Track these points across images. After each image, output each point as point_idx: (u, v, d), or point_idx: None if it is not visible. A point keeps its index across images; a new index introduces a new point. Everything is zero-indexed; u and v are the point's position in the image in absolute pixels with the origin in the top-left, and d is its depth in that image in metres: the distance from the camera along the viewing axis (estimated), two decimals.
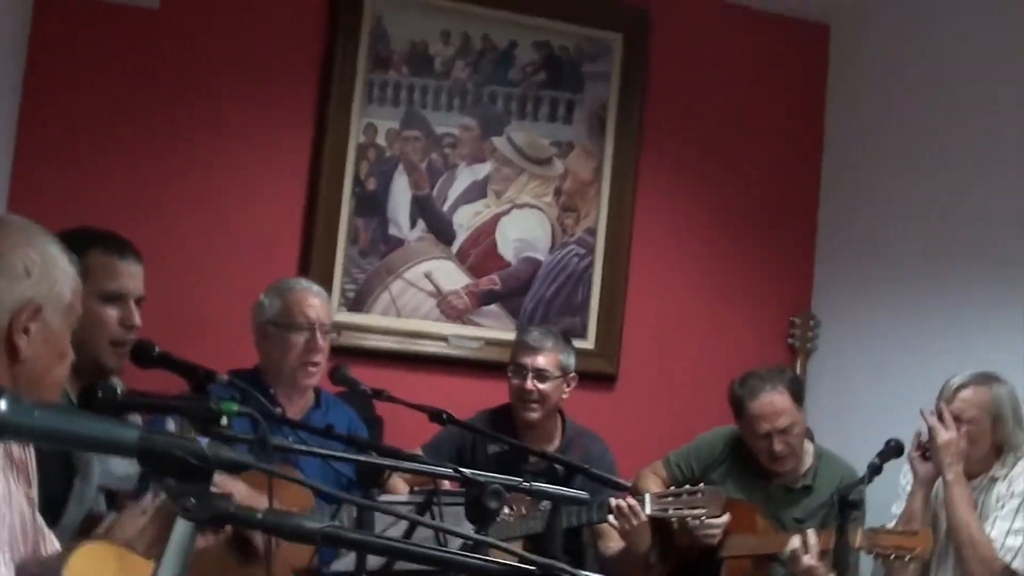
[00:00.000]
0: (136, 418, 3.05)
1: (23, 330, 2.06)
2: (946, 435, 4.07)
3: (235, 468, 1.32)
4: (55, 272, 2.12)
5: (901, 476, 4.31)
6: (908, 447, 4.11)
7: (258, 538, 3.58)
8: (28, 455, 2.17)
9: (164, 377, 3.02)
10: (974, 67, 5.01)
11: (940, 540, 4.14)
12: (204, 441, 1.32)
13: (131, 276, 3.07)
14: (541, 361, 4.30)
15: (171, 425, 2.86)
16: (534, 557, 1.34)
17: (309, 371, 3.94)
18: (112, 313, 3.01)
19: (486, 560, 1.36)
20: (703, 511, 3.99)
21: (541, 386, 4.28)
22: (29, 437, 1.38)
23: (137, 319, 3.04)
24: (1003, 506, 4.07)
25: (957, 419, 4.10)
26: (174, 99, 4.86)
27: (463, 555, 1.35)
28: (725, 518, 4.21)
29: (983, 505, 4.12)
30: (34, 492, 2.19)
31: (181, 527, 2.15)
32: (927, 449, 4.14)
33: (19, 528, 2.07)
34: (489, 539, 1.37)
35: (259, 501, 3.50)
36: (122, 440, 1.33)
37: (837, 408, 5.16)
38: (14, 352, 2.05)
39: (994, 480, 4.14)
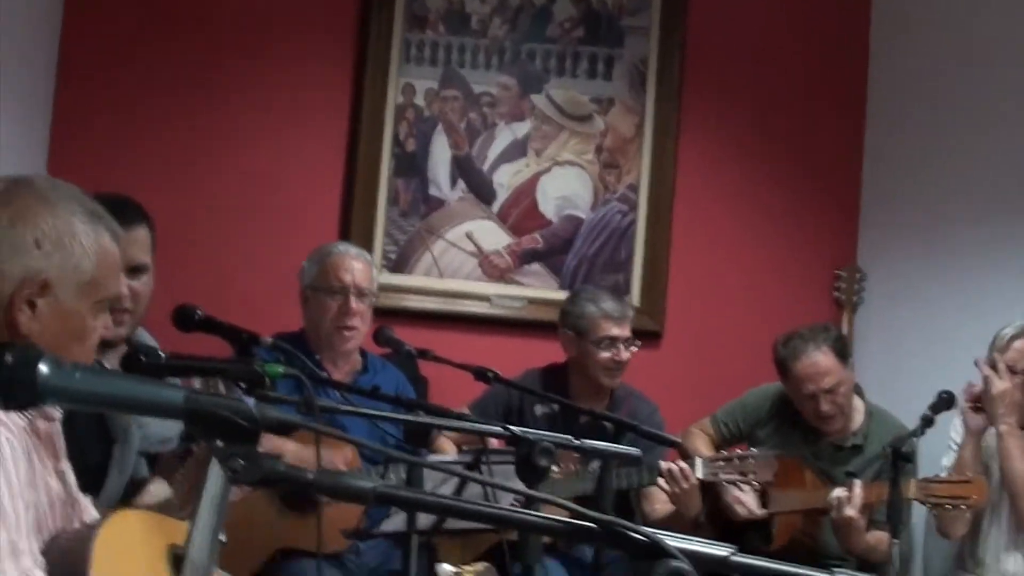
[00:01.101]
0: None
1: (27, 304, 1.96)
2: (1000, 385, 4.02)
3: (283, 428, 1.30)
4: (72, 244, 1.99)
5: (951, 429, 4.26)
6: (960, 398, 4.06)
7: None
8: (54, 428, 2.12)
9: (207, 342, 3.01)
10: (1022, 17, 4.91)
11: (993, 491, 4.09)
12: (251, 401, 1.29)
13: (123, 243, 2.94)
14: (628, 330, 4.29)
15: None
16: (591, 512, 1.31)
17: (344, 335, 3.92)
18: None
19: (542, 517, 1.33)
20: (754, 476, 3.95)
21: (629, 353, 4.28)
22: (72, 400, 1.35)
23: (125, 289, 2.83)
24: None
25: (1012, 369, 4.05)
26: (209, 64, 4.85)
27: (518, 511, 1.32)
28: (754, 507, 4.16)
29: None
30: (64, 464, 2.12)
31: (214, 482, 2.13)
32: (979, 400, 4.08)
33: (47, 506, 2.01)
34: (544, 495, 1.34)
35: (308, 459, 3.49)
36: (168, 401, 1.30)
37: (886, 362, 5.09)
38: (14, 326, 1.96)
39: None
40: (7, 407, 1.31)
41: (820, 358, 4.21)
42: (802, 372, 4.21)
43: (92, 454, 2.72)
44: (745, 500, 4.17)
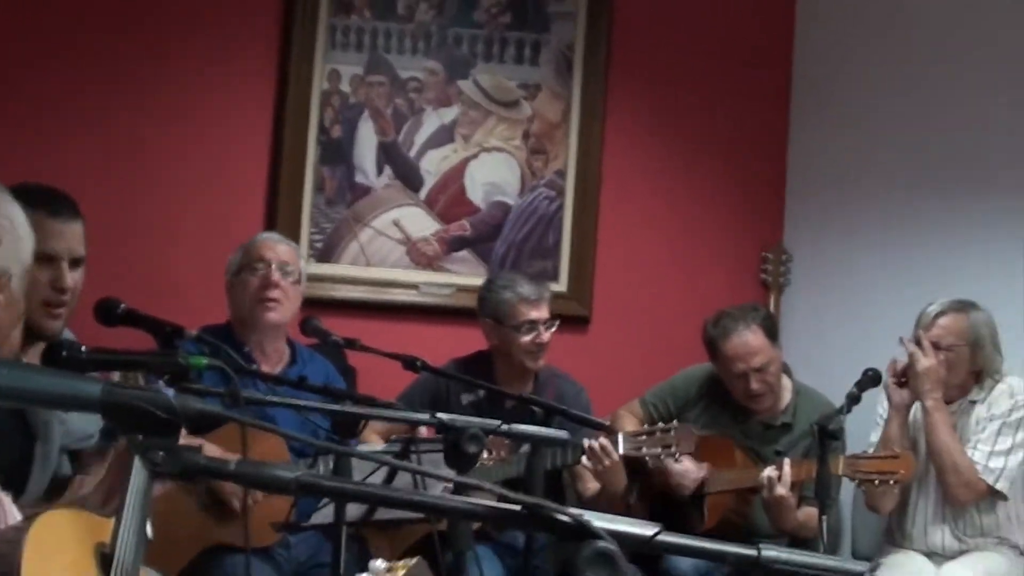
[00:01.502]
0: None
1: None
2: (925, 362, 4.08)
3: (204, 419, 1.28)
4: (20, 234, 1.99)
5: (879, 405, 4.32)
6: (885, 374, 4.11)
7: (232, 498, 3.54)
8: None
9: (131, 336, 2.97)
10: None
11: (920, 465, 4.16)
12: (171, 392, 1.27)
13: (61, 235, 2.83)
14: (547, 312, 4.28)
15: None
16: (516, 496, 1.30)
17: (267, 305, 3.89)
18: (43, 275, 2.78)
19: (468, 502, 1.32)
20: (676, 448, 3.97)
21: (546, 335, 4.26)
22: None
23: (68, 281, 2.82)
24: (984, 429, 4.12)
25: (936, 346, 4.11)
26: (131, 53, 4.78)
27: (443, 498, 1.31)
28: (697, 471, 4.20)
29: (962, 428, 4.16)
30: None
31: (137, 478, 2.11)
32: (903, 376, 4.14)
33: None
34: (471, 480, 1.33)
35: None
36: (86, 395, 1.28)
37: (813, 342, 5.14)
38: None
39: (972, 403, 4.18)
40: None
41: (750, 337, 4.25)
42: (732, 351, 4.25)
43: (13, 451, 2.67)
44: (686, 472, 4.20)
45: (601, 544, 1.27)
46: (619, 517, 1.36)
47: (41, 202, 2.81)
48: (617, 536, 1.29)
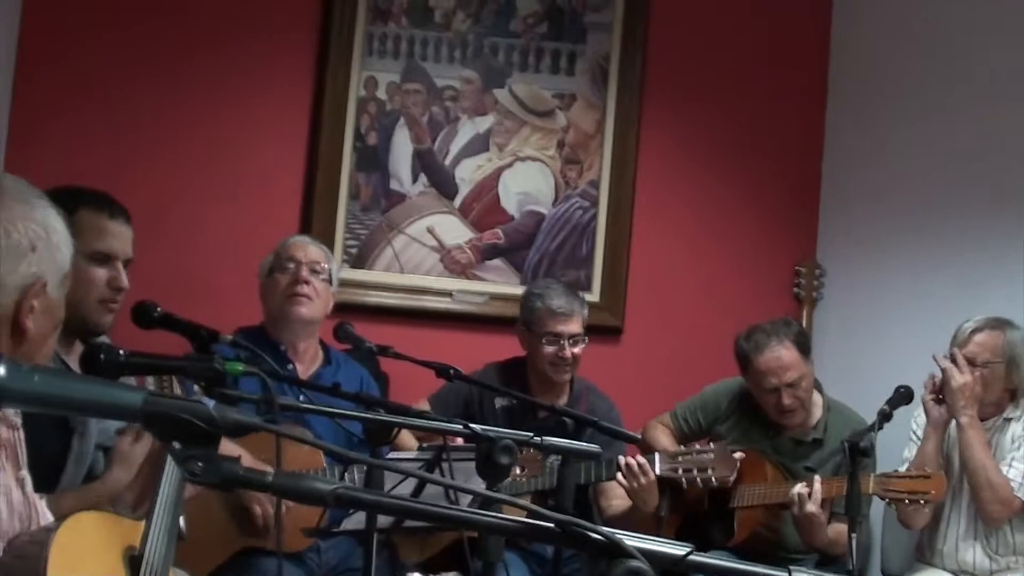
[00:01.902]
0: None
1: (29, 308, 1.96)
2: (961, 379, 4.07)
3: (242, 430, 1.29)
4: (57, 241, 2.01)
5: (912, 421, 4.30)
6: (922, 391, 4.10)
7: (256, 508, 3.56)
8: (17, 437, 2.11)
9: (167, 339, 3.00)
10: (980, 9, 4.95)
11: (954, 482, 4.14)
12: (211, 403, 1.28)
13: (119, 236, 3.02)
14: (575, 327, 4.27)
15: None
16: (549, 512, 1.31)
17: (297, 300, 3.93)
18: (100, 273, 2.96)
19: (499, 517, 1.33)
20: (714, 472, 3.96)
21: (576, 351, 4.26)
22: (30, 403, 1.34)
23: (125, 281, 2.99)
24: (1020, 447, 4.10)
25: (972, 362, 4.10)
26: (171, 55, 4.82)
27: (475, 512, 1.32)
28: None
29: (997, 446, 4.14)
30: (24, 472, 2.12)
31: (169, 483, 2.13)
32: (940, 392, 4.13)
33: (5, 512, 2.00)
34: (502, 495, 1.34)
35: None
36: (126, 404, 1.29)
37: (845, 357, 5.13)
38: (22, 332, 1.96)
39: (1008, 421, 4.17)
40: None
41: (782, 352, 4.24)
42: (764, 366, 4.24)
43: (50, 446, 2.71)
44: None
45: (633, 563, 1.28)
46: (650, 536, 1.37)
47: (101, 204, 3.01)
48: (649, 555, 1.30)
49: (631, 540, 1.31)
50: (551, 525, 1.33)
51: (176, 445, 1.29)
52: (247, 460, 3.30)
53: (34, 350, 1.97)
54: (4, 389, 1.27)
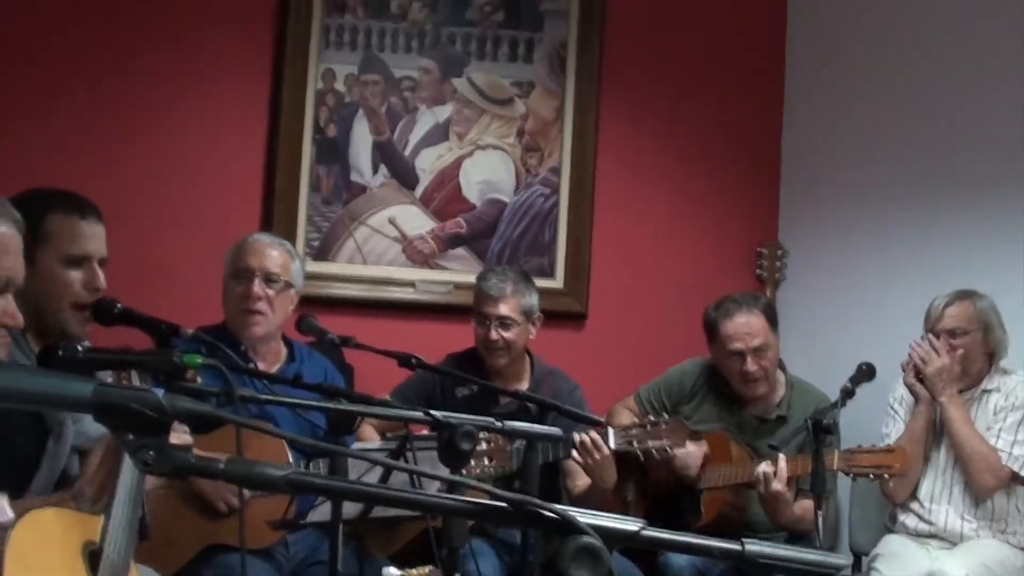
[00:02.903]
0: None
1: None
2: (938, 362, 4.19)
3: (193, 419, 1.29)
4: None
5: (890, 396, 4.36)
6: (884, 368, 4.14)
7: (217, 501, 3.55)
8: None
9: (128, 335, 2.99)
10: None
11: (930, 451, 4.24)
12: (160, 392, 1.28)
13: (93, 237, 2.96)
14: (503, 309, 4.24)
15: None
16: (502, 492, 1.32)
17: (248, 319, 3.86)
18: (76, 276, 2.91)
19: (453, 499, 1.34)
20: (666, 442, 3.98)
21: (505, 334, 4.23)
22: None
23: (102, 281, 2.92)
24: (1006, 418, 4.21)
25: (951, 334, 4.18)
26: (128, 49, 4.80)
27: (435, 496, 1.33)
28: (698, 451, 4.22)
29: (977, 416, 4.22)
30: None
31: (128, 476, 2.12)
32: (920, 374, 4.21)
33: None
34: (461, 478, 1.35)
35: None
36: (76, 395, 1.29)
37: (808, 337, 5.15)
38: None
39: (986, 392, 4.27)
40: None
41: (751, 318, 4.32)
42: (732, 330, 4.30)
43: (25, 446, 2.69)
44: (688, 454, 4.21)
45: (585, 539, 1.29)
46: (604, 513, 1.38)
47: (72, 206, 2.95)
48: (601, 532, 1.31)
49: (584, 517, 1.32)
50: (504, 505, 1.33)
51: (128, 436, 1.29)
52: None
53: None
54: None
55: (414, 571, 1.94)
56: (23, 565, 1.94)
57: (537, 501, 1.31)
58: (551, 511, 1.30)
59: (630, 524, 1.37)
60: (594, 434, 3.96)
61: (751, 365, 4.29)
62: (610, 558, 1.30)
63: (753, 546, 1.42)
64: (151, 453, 1.28)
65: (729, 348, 4.31)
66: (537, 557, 3.06)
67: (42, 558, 2.03)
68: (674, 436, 3.98)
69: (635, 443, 4.00)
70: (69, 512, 2.24)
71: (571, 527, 1.29)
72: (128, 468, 2.13)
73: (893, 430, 4.33)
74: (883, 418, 4.41)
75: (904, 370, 4.27)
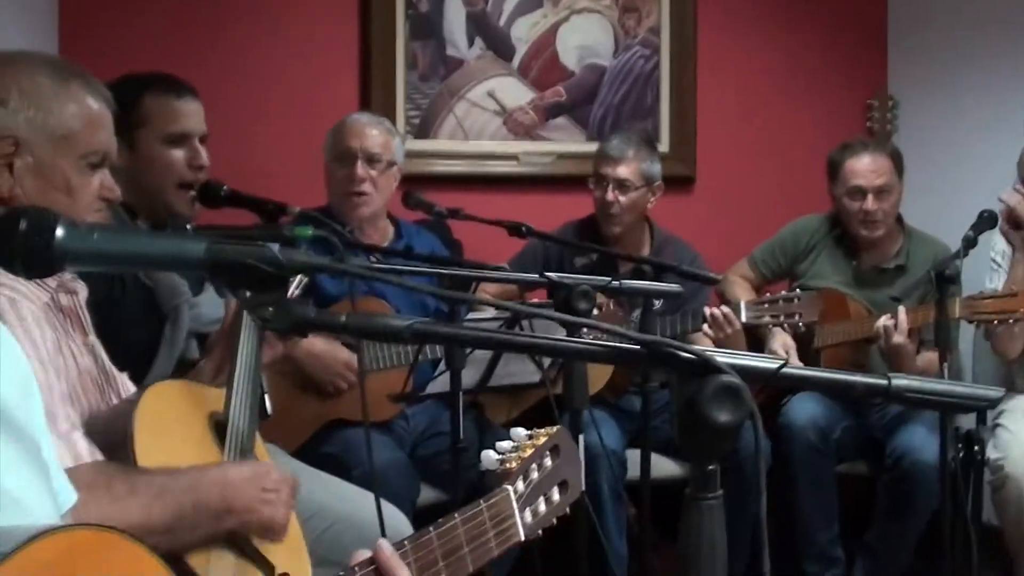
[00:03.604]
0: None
1: (5, 166, 1.97)
2: None
3: (310, 270, 1.25)
4: (41, 100, 1.99)
5: (991, 249, 4.21)
6: (1000, 223, 4.00)
7: (330, 384, 3.56)
8: (77, 303, 2.11)
9: (235, 218, 2.98)
10: None
11: None
12: (275, 247, 1.24)
13: (191, 114, 2.96)
14: (623, 171, 4.16)
15: None
16: (635, 334, 1.26)
17: (353, 201, 3.81)
18: (178, 155, 2.92)
19: (589, 343, 1.28)
20: (800, 318, 3.90)
21: (623, 198, 4.15)
22: (92, 262, 1.31)
23: (204, 158, 2.94)
24: None
25: None
26: None
27: (557, 339, 1.28)
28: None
29: None
30: (93, 339, 2.12)
31: (247, 344, 2.11)
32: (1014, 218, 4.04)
33: (76, 378, 2.00)
34: (588, 321, 1.29)
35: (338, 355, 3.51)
36: (189, 253, 1.25)
37: (922, 188, 4.98)
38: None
39: None
40: (29, 275, 1.27)
41: (879, 158, 4.29)
42: (856, 167, 4.27)
43: (141, 333, 2.71)
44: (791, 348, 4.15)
45: (725, 378, 1.23)
46: (741, 352, 1.32)
47: (166, 86, 2.96)
48: (741, 371, 1.25)
49: (721, 356, 1.26)
50: (637, 347, 1.28)
51: (245, 292, 1.25)
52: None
53: None
54: (65, 249, 1.24)
55: (542, 431, 1.91)
56: (152, 432, 1.94)
57: (672, 341, 1.25)
58: (687, 351, 1.25)
59: (769, 362, 1.31)
60: (726, 308, 3.89)
61: (872, 204, 4.22)
62: (751, 397, 1.24)
63: (900, 380, 1.35)
64: (270, 309, 1.24)
65: (852, 184, 4.25)
66: (674, 401, 3.02)
67: (170, 426, 2.03)
68: (808, 311, 3.89)
69: (766, 317, 3.92)
70: (194, 384, 2.24)
71: (709, 367, 1.24)
72: (247, 341, 2.11)
73: (998, 283, 4.18)
74: (985, 272, 4.26)
75: (1000, 217, 4.08)
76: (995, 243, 4.19)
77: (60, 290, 2.04)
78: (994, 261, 4.21)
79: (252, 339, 2.12)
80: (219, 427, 2.08)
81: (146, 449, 1.92)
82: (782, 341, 4.16)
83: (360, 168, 3.80)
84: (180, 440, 2.03)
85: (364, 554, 1.56)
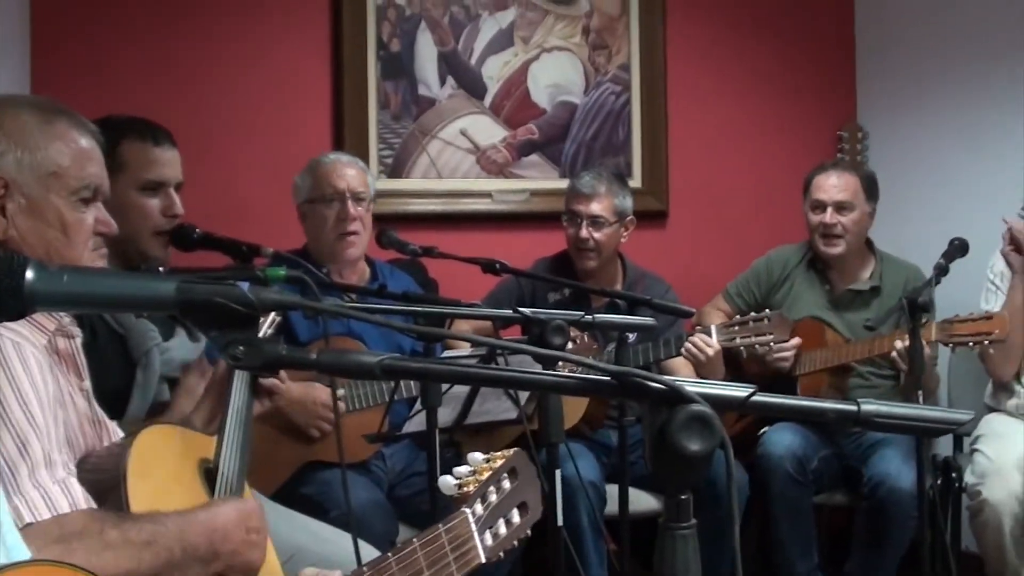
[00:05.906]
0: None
1: None
2: None
3: (281, 308, 1.25)
4: (27, 139, 1.99)
5: (988, 269, 4.24)
6: (979, 243, 4.02)
7: (309, 428, 3.54)
8: (74, 347, 2.11)
9: (207, 260, 2.98)
10: None
11: None
12: (245, 285, 1.24)
13: (168, 163, 2.96)
14: (595, 207, 4.19)
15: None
16: (605, 366, 1.27)
17: (348, 241, 3.80)
18: (153, 203, 2.92)
19: (560, 376, 1.29)
20: (771, 337, 3.92)
21: (596, 234, 4.17)
22: (63, 304, 1.32)
23: (179, 207, 2.94)
24: None
25: None
26: None
27: (530, 372, 1.28)
28: (795, 341, 4.15)
29: None
30: (87, 383, 2.13)
31: (238, 396, 2.12)
32: (1016, 242, 4.08)
33: (75, 423, 2.02)
34: (559, 353, 1.30)
35: (314, 397, 3.49)
36: (160, 293, 1.26)
37: (894, 217, 5.02)
38: None
39: None
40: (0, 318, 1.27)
41: (845, 176, 4.37)
42: (822, 182, 4.36)
43: (115, 378, 2.71)
44: (783, 355, 4.16)
45: (695, 407, 1.24)
46: (711, 381, 1.33)
47: (146, 132, 2.96)
48: (710, 399, 1.26)
49: (691, 385, 1.27)
50: (608, 378, 1.29)
51: (215, 332, 1.26)
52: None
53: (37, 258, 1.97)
54: (34, 292, 1.24)
55: (498, 453, 1.92)
56: (144, 475, 1.95)
57: (642, 372, 1.26)
58: (658, 381, 1.25)
59: (739, 390, 1.31)
60: (701, 333, 3.92)
61: (830, 217, 4.29)
62: (722, 426, 1.25)
63: (869, 405, 1.36)
64: (240, 348, 1.25)
65: (814, 197, 4.35)
66: (645, 431, 3.03)
67: (162, 470, 2.03)
68: (778, 331, 3.92)
69: (737, 339, 3.95)
70: (185, 430, 2.25)
71: (679, 396, 1.25)
72: (239, 391, 2.12)
73: (995, 304, 4.20)
74: (980, 293, 4.28)
75: (1003, 240, 4.12)
76: (993, 264, 4.22)
77: (58, 334, 2.04)
78: (992, 282, 4.24)
79: (244, 389, 2.13)
80: (208, 474, 2.09)
81: (137, 491, 1.93)
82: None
83: (352, 208, 3.80)
84: (171, 484, 2.04)
85: None
